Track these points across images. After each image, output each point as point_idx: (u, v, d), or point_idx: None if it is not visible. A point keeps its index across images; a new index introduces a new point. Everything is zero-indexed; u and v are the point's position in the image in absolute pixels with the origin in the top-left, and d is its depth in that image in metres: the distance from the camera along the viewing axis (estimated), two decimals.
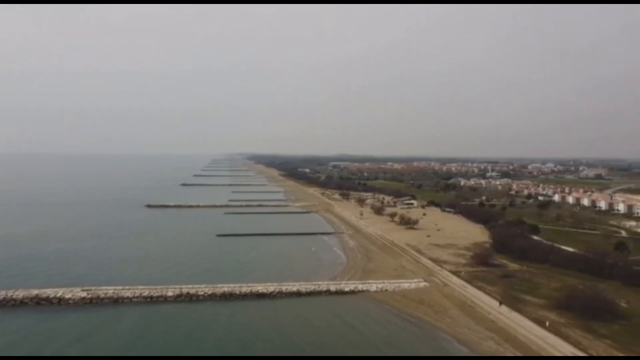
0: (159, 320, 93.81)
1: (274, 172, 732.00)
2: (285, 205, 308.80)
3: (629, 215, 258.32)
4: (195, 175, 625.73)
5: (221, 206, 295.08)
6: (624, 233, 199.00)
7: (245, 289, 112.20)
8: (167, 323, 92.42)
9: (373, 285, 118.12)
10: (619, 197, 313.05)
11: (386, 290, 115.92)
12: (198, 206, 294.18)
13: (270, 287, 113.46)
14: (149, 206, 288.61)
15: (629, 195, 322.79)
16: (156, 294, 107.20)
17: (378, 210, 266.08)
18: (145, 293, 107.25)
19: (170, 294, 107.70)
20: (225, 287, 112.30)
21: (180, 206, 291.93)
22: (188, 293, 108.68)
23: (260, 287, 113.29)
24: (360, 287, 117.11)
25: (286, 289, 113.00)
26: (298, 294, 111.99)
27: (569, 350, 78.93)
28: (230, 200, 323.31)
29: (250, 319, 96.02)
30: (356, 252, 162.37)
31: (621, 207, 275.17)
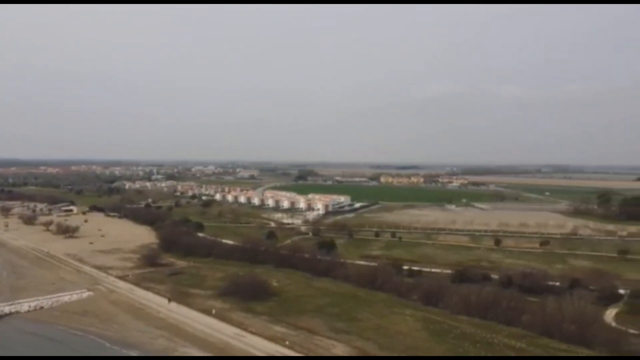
0: None
1: None
2: None
3: (277, 208, 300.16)
4: None
5: None
6: (273, 224, 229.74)
7: None
8: None
9: (25, 305, 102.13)
10: (268, 194, 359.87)
11: (42, 307, 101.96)
12: None
13: None
14: None
15: (276, 192, 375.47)
16: None
17: (29, 220, 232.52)
18: None
19: None
20: None
21: None
22: None
23: None
24: (7, 309, 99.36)
25: None
26: None
27: (233, 331, 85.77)
28: None
29: None
30: (0, 270, 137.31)
31: (270, 202, 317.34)
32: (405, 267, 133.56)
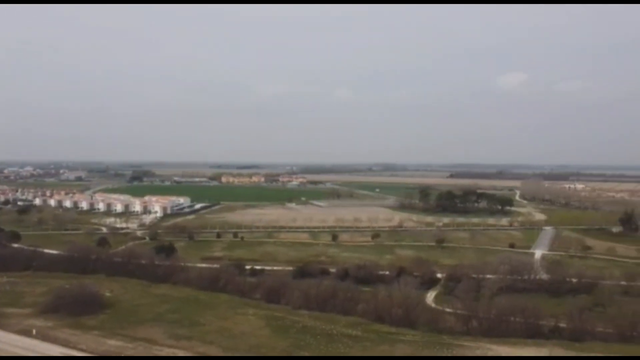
0: None
1: None
2: None
3: (109, 212, 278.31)
4: None
5: None
6: (104, 229, 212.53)
7: None
8: None
9: None
10: (99, 196, 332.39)
11: None
12: None
13: None
14: None
15: (108, 195, 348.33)
16: None
17: None
18: None
19: None
20: None
21: None
22: None
23: None
24: None
25: None
26: None
27: (59, 351, 77.21)
28: None
29: None
30: None
31: (101, 206, 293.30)
32: (248, 267, 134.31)
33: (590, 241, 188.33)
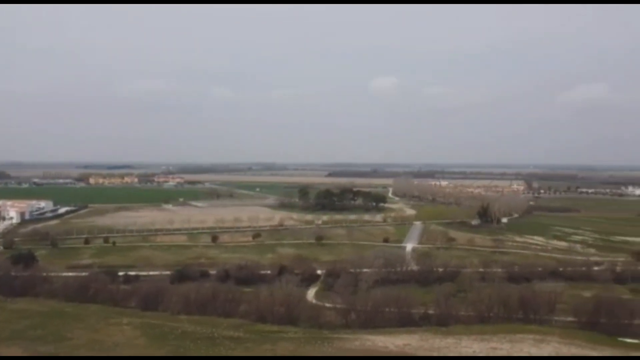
0: None
1: None
2: None
3: None
4: None
5: None
6: None
7: None
8: None
9: None
10: None
11: None
12: None
13: None
14: None
15: None
16: None
17: None
18: None
19: None
20: None
21: None
22: None
23: None
24: None
25: None
26: None
27: None
28: None
29: None
30: None
31: None
32: (121, 273, 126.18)
33: (453, 233, 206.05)
